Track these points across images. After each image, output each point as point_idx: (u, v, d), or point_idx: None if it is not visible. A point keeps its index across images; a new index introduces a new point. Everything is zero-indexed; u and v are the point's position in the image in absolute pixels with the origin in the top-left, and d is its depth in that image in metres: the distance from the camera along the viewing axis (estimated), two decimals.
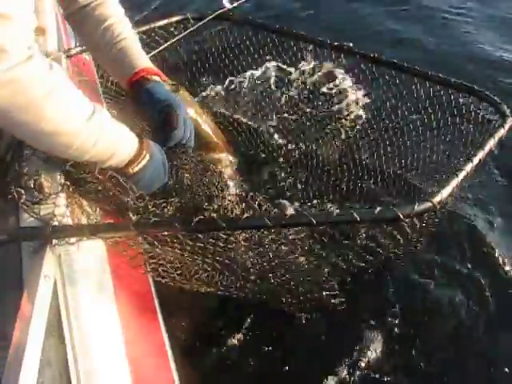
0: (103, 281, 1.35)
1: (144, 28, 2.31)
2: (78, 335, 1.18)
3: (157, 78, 1.57)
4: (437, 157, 2.11)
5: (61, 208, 1.25)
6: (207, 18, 2.34)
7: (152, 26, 2.34)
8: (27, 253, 1.23)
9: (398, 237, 1.72)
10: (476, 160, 1.60)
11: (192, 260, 1.44)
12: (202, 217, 1.21)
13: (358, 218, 1.28)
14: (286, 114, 2.65)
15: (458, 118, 2.03)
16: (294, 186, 2.57)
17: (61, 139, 1.12)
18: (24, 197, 1.21)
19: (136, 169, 1.33)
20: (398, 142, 2.31)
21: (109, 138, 1.23)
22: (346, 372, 1.94)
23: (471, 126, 1.96)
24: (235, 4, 2.35)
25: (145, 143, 1.35)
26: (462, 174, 1.53)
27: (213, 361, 1.95)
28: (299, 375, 1.95)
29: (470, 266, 2.33)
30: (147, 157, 1.35)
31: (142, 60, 1.57)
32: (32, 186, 1.23)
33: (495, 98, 1.90)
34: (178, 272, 1.51)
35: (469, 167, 1.56)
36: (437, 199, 1.39)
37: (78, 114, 1.13)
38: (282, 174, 2.62)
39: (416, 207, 1.34)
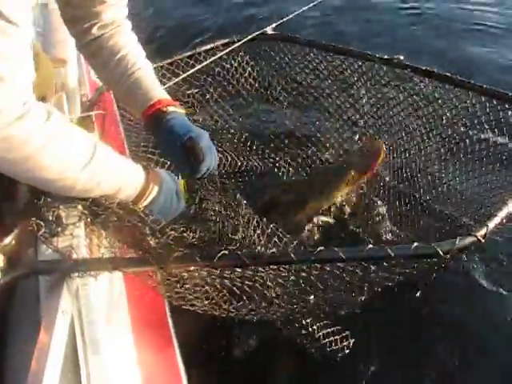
0: (120, 313, 1.32)
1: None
2: (94, 371, 1.13)
3: (173, 109, 1.50)
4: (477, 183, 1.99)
5: (79, 240, 1.22)
6: (245, 39, 2.27)
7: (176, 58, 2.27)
8: (44, 286, 1.19)
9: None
10: None
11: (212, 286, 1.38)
12: (225, 251, 1.16)
13: (393, 254, 1.19)
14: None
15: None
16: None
17: (62, 183, 1.11)
18: (43, 229, 1.18)
19: (144, 203, 1.30)
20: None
21: (112, 177, 1.20)
22: None
23: None
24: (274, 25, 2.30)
25: (152, 175, 1.31)
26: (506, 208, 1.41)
27: None
28: None
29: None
30: (155, 189, 1.31)
31: (157, 91, 1.52)
32: (50, 217, 1.20)
33: None
34: (196, 296, 1.45)
35: None
36: (481, 233, 1.29)
37: (77, 161, 1.11)
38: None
39: (458, 242, 1.24)
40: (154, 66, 1.87)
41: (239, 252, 1.18)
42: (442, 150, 2.19)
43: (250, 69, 2.37)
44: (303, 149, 2.66)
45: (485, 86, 1.96)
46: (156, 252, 1.21)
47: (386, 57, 2.14)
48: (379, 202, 2.42)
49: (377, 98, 2.34)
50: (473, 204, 1.99)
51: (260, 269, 1.35)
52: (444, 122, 2.14)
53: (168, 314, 1.47)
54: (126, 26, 1.51)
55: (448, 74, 2.03)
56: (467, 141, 2.08)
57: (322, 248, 1.18)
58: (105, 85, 1.79)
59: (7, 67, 0.94)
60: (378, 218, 2.38)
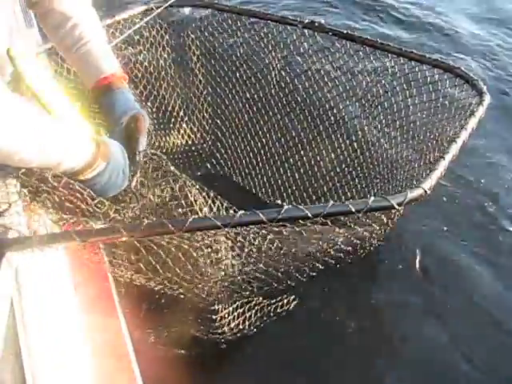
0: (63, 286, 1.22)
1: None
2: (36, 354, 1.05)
3: (120, 85, 1.48)
4: (417, 137, 2.03)
5: (17, 217, 1.12)
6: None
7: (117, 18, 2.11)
8: None
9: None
10: (460, 141, 1.55)
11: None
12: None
13: (353, 209, 1.21)
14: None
15: (433, 96, 1.97)
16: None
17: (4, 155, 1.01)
18: None
19: (89, 176, 1.22)
20: (374, 124, 2.23)
21: (56, 147, 1.11)
22: None
23: (446, 104, 1.91)
24: None
25: (102, 149, 1.23)
26: (448, 157, 1.49)
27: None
28: None
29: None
30: (101, 166, 1.24)
31: (106, 66, 1.47)
32: None
33: (471, 75, 1.85)
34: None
35: (454, 149, 1.52)
36: (427, 185, 1.34)
37: (16, 130, 1.01)
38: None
39: (409, 195, 1.28)
40: None
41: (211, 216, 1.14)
42: (365, 114, 2.23)
43: (167, 37, 2.27)
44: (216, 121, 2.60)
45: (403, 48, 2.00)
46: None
47: (306, 21, 2.12)
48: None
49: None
50: (403, 165, 2.04)
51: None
52: (365, 85, 2.18)
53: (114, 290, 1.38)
54: None
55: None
56: (387, 103, 2.13)
57: (288, 206, 1.16)
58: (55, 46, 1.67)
59: None
60: None
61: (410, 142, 2.05)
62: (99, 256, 1.37)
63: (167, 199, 1.46)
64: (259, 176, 2.55)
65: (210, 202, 1.47)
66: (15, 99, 1.02)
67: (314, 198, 2.45)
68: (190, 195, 1.46)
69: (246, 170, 2.58)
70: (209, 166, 2.62)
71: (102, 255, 1.37)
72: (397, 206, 1.25)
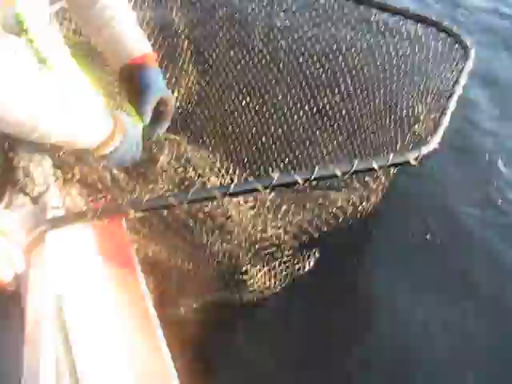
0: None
1: None
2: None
3: (154, 65, 1.46)
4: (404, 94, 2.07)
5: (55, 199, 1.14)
6: None
7: None
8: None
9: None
10: (456, 96, 1.60)
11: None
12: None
13: (376, 166, 1.25)
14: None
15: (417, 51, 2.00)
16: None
17: (19, 129, 1.02)
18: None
19: (106, 152, 1.25)
20: (360, 83, 2.24)
21: (77, 122, 1.14)
22: None
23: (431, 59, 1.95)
24: None
25: (118, 124, 1.25)
26: (449, 112, 1.53)
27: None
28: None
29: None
30: (119, 139, 1.26)
31: (137, 46, 1.45)
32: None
33: (454, 29, 1.89)
34: None
35: (453, 104, 1.56)
36: (436, 140, 1.39)
37: (38, 101, 1.01)
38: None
39: (423, 150, 1.33)
40: None
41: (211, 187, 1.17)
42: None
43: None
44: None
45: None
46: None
47: None
48: None
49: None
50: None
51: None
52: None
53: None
54: None
55: None
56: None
57: (318, 167, 1.20)
58: (82, 27, 1.67)
59: None
60: None
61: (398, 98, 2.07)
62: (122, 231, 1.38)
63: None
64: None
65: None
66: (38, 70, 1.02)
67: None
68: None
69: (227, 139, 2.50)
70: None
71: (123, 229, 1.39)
72: (413, 162, 1.29)
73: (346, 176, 1.23)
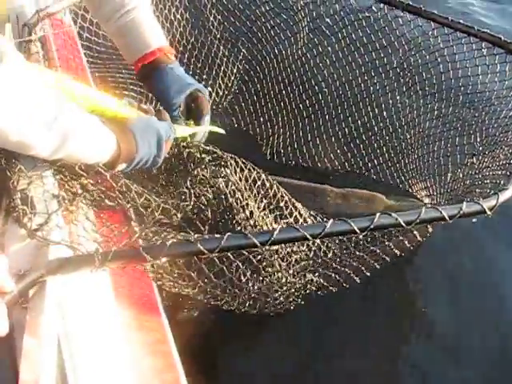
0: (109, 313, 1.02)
1: None
2: None
3: (168, 61, 1.33)
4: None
5: (58, 231, 0.92)
6: None
7: None
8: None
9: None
10: None
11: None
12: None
13: (447, 215, 1.04)
14: None
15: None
16: None
17: (15, 144, 0.88)
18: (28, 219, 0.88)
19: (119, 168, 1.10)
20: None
21: (84, 138, 0.98)
22: None
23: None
24: None
25: (123, 146, 1.07)
26: None
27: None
28: None
29: None
30: (123, 165, 1.10)
31: (155, 38, 1.32)
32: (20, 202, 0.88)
33: None
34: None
35: None
36: None
37: (40, 117, 0.87)
38: None
39: (499, 197, 1.12)
40: None
41: (247, 233, 0.92)
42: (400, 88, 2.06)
43: None
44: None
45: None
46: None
47: None
48: None
49: None
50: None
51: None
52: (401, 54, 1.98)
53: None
54: None
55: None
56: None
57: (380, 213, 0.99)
58: (92, 14, 1.54)
59: None
60: None
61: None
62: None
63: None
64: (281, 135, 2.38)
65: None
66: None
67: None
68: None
69: (269, 128, 2.40)
70: (233, 121, 2.43)
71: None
72: (488, 211, 1.08)
73: (412, 226, 1.02)
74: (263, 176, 1.32)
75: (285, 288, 1.40)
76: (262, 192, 1.34)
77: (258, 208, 1.34)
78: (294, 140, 2.33)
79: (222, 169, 1.28)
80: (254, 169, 1.32)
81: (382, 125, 2.19)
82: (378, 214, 0.97)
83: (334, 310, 1.85)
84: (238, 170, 1.30)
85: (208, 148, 1.30)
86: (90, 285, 0.98)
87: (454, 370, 1.77)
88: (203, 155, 1.28)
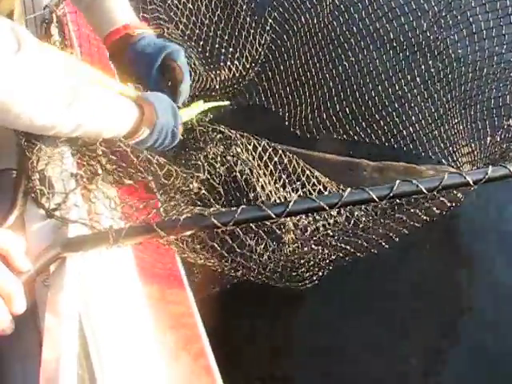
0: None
1: None
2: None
3: (141, 31, 1.30)
4: None
5: (76, 210, 0.93)
6: None
7: None
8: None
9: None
10: None
11: None
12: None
13: (471, 180, 0.97)
14: None
15: None
16: None
17: (38, 127, 0.89)
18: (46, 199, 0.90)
19: (130, 142, 1.10)
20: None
21: (102, 114, 1.00)
22: None
23: None
24: None
25: (147, 111, 1.09)
26: None
27: None
28: None
29: None
30: (146, 131, 1.11)
31: (122, 13, 1.30)
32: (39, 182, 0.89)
33: None
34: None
35: None
36: None
37: (59, 99, 0.88)
38: None
39: None
40: None
41: (261, 205, 0.89)
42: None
43: None
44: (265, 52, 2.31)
45: None
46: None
47: None
48: None
49: None
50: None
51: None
52: None
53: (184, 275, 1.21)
54: None
55: None
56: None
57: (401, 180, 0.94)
58: None
59: None
60: None
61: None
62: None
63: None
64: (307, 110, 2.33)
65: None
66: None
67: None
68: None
69: (291, 104, 2.35)
70: (256, 98, 2.40)
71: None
72: None
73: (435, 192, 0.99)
74: (280, 151, 1.31)
75: (309, 257, 1.40)
76: (280, 168, 1.33)
77: (275, 183, 1.33)
78: (322, 113, 2.29)
79: (233, 147, 1.28)
80: (269, 145, 1.31)
81: (415, 91, 2.13)
82: (397, 182, 0.95)
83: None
84: (251, 147, 1.29)
85: (217, 127, 1.30)
86: (113, 259, 1.00)
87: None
88: (214, 134, 1.28)
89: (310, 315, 1.86)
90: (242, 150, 1.29)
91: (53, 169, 0.96)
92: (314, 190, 1.35)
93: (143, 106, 1.08)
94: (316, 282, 1.62)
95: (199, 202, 1.22)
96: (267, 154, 1.32)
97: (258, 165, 1.32)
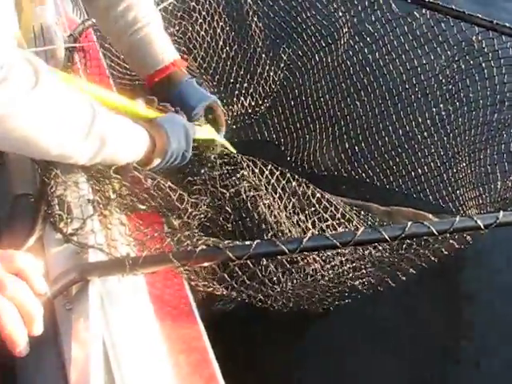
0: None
1: None
2: None
3: (183, 75, 1.38)
4: None
5: (93, 235, 0.95)
6: None
7: None
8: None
9: None
10: None
11: None
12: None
13: (482, 225, 1.00)
14: None
15: None
16: None
17: (56, 157, 0.93)
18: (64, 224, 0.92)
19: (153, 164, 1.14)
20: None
21: (117, 143, 1.02)
22: None
23: None
24: None
25: (158, 142, 1.12)
26: None
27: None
28: None
29: None
30: (157, 160, 1.15)
31: (167, 53, 1.35)
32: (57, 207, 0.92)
33: None
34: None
35: None
36: None
37: (77, 130, 0.91)
38: None
39: None
40: None
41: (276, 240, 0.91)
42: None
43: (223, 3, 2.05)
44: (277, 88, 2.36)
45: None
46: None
47: None
48: None
49: None
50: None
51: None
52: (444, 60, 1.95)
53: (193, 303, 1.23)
54: None
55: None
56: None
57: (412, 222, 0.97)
58: (104, 34, 1.52)
59: None
60: None
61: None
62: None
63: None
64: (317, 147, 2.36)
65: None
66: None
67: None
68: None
69: (301, 139, 2.39)
70: (265, 132, 2.43)
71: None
72: None
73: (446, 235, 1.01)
74: (288, 175, 1.34)
75: (320, 285, 1.41)
76: (289, 191, 1.35)
77: (286, 208, 1.36)
78: (331, 150, 2.33)
79: (241, 171, 1.32)
80: (276, 169, 1.34)
81: (425, 134, 2.16)
82: (409, 223, 0.96)
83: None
84: (257, 170, 1.33)
85: (226, 153, 1.34)
86: (127, 283, 1.01)
87: None
88: (221, 160, 1.32)
89: (321, 340, 1.85)
90: (248, 173, 1.33)
91: (71, 194, 0.98)
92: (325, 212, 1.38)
93: (156, 138, 1.11)
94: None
95: (208, 224, 1.24)
96: (275, 176, 1.36)
97: (266, 188, 1.36)
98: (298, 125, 2.36)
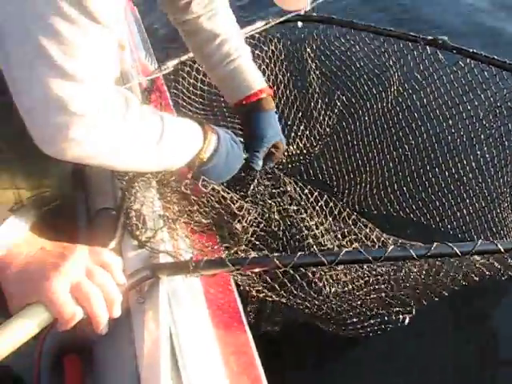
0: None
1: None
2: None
3: (271, 105, 1.53)
4: None
5: (167, 243, 1.15)
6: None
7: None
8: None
9: None
10: None
11: None
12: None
13: (502, 248, 1.14)
14: None
15: None
16: None
17: (134, 169, 1.15)
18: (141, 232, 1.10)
19: (206, 155, 1.26)
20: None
21: (179, 144, 1.19)
22: None
23: None
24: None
25: (207, 126, 1.28)
26: None
27: None
28: None
29: None
30: (213, 137, 1.27)
31: (255, 82, 1.51)
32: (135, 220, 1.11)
33: None
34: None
35: None
36: None
37: (152, 140, 1.07)
38: None
39: None
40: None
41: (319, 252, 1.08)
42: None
43: (285, 51, 2.24)
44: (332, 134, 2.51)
45: None
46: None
47: (429, 37, 2.03)
48: None
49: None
50: None
51: None
52: (487, 107, 2.07)
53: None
54: (225, 4, 1.47)
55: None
56: None
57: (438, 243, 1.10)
58: (199, 63, 1.75)
59: (88, 68, 0.85)
60: None
61: None
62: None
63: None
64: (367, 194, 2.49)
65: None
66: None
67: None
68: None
69: (352, 182, 2.53)
70: (319, 174, 2.58)
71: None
72: None
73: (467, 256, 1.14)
74: (325, 196, 1.49)
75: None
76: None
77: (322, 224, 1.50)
78: (381, 192, 2.45)
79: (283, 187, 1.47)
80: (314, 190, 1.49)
81: (470, 176, 2.25)
82: (435, 244, 1.09)
83: None
84: (298, 188, 1.47)
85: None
86: (188, 287, 1.18)
87: None
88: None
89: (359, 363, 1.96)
90: (291, 190, 1.49)
91: (146, 209, 1.17)
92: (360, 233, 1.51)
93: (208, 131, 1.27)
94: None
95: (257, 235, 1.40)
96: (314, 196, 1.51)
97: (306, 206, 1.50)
98: (350, 167, 2.50)
